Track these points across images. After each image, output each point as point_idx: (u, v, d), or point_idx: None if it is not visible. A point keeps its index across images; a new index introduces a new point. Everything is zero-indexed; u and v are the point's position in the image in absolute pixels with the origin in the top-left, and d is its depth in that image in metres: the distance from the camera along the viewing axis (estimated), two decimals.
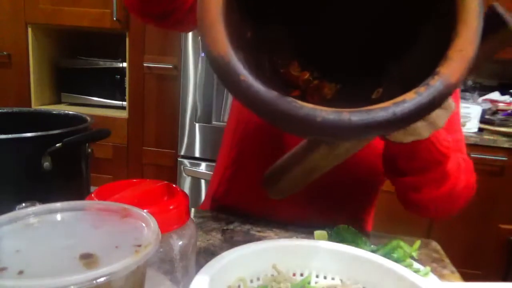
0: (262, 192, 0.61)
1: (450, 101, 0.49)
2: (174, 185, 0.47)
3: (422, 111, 0.31)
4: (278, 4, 0.43)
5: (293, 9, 0.44)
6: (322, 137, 0.36)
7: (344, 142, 0.50)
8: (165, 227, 0.40)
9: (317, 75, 0.46)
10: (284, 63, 0.46)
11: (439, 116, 0.50)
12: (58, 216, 0.32)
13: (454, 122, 0.73)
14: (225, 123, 2.00)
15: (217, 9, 0.33)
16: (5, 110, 0.84)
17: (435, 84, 0.31)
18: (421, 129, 0.51)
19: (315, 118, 0.31)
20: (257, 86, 0.32)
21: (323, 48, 0.46)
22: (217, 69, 0.33)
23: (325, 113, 0.31)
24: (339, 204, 0.78)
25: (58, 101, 2.31)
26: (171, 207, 0.41)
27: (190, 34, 1.84)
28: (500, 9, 0.39)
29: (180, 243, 0.42)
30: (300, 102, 0.31)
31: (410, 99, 0.30)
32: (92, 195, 0.42)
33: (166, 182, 0.48)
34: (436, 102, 0.31)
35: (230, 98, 1.93)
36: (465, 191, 0.66)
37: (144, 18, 0.64)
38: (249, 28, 0.39)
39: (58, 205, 0.33)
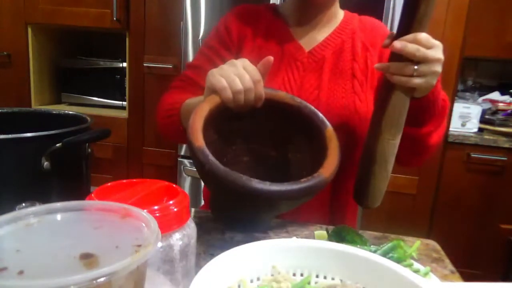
0: None
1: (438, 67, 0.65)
2: (174, 185, 0.47)
3: (310, 189, 0.58)
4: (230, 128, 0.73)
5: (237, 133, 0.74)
6: (255, 199, 0.57)
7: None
8: (165, 227, 0.40)
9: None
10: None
11: (432, 74, 0.64)
12: (58, 216, 0.32)
13: None
14: None
15: (199, 125, 0.59)
16: (5, 110, 0.84)
17: (317, 177, 0.59)
18: (432, 79, 0.65)
19: (251, 184, 0.54)
20: (219, 164, 0.55)
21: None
22: (194, 153, 0.56)
23: (257, 182, 0.55)
24: None
25: (58, 101, 2.31)
26: (171, 207, 0.41)
27: (190, 35, 1.84)
28: None
29: (180, 243, 0.42)
30: (244, 176, 0.54)
31: (303, 182, 0.58)
32: (92, 195, 0.42)
33: (166, 182, 0.48)
34: (317, 186, 0.59)
35: None
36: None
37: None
38: (211, 149, 0.64)
39: (58, 205, 0.33)
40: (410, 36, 0.62)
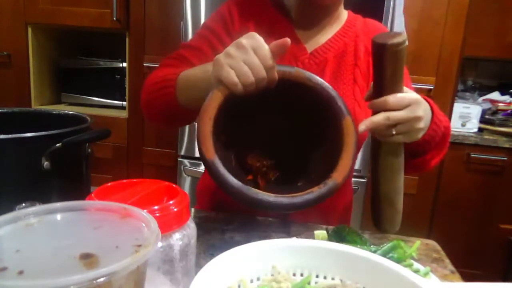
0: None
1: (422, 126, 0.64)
2: (174, 185, 0.47)
3: (322, 197, 0.58)
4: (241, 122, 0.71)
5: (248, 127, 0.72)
6: (267, 210, 0.58)
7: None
8: (165, 227, 0.40)
9: (266, 164, 0.71)
10: (245, 154, 0.72)
11: (414, 131, 0.64)
12: (58, 216, 0.32)
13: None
14: None
15: (208, 129, 0.58)
16: (5, 110, 0.84)
17: (329, 183, 0.59)
18: (416, 134, 0.65)
19: (263, 199, 0.56)
20: (230, 177, 0.56)
21: (271, 147, 0.73)
22: (207, 165, 0.57)
23: (268, 196, 0.56)
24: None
25: (58, 101, 2.31)
26: (171, 207, 0.41)
27: (190, 35, 1.84)
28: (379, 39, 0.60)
29: (180, 243, 0.42)
30: (255, 190, 0.56)
31: (315, 191, 0.58)
32: (92, 195, 0.42)
33: (166, 182, 0.48)
34: (330, 192, 0.58)
35: None
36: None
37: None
38: (223, 135, 0.66)
39: (58, 205, 0.33)
40: (380, 101, 0.61)
